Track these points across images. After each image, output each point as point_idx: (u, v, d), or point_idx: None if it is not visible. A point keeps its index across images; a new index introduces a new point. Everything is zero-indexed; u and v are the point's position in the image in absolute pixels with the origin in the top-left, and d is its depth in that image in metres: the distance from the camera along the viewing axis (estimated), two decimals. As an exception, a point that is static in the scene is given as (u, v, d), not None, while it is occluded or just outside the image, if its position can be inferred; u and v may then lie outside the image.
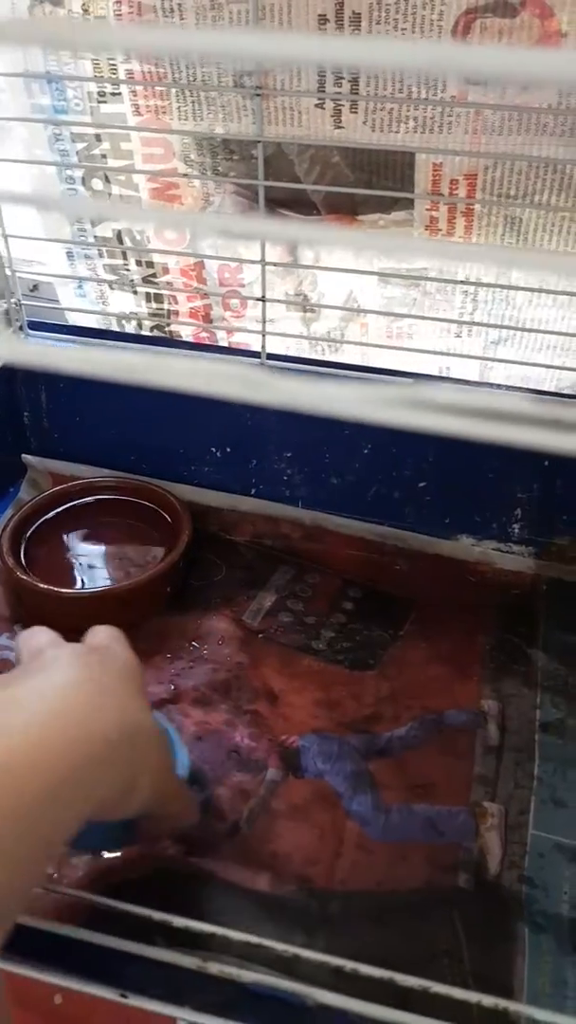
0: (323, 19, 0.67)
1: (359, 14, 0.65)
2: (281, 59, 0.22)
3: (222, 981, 0.37)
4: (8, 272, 0.83)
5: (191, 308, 0.89)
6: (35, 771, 0.34)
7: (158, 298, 0.88)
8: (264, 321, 0.77)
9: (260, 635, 0.77)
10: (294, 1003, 0.36)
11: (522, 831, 0.59)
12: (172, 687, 0.71)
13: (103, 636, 0.56)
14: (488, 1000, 0.34)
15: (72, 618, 0.78)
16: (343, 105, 0.70)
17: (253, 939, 0.35)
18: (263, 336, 0.79)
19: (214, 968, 0.36)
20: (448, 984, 0.36)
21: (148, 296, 0.87)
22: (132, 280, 0.87)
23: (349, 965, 0.34)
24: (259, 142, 0.71)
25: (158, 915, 0.37)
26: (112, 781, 0.40)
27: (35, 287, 0.97)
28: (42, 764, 0.35)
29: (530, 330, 0.76)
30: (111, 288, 0.89)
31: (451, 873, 0.57)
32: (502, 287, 0.75)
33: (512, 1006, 0.34)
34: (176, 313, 0.88)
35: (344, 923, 0.53)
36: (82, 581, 0.82)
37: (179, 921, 0.38)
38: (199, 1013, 0.34)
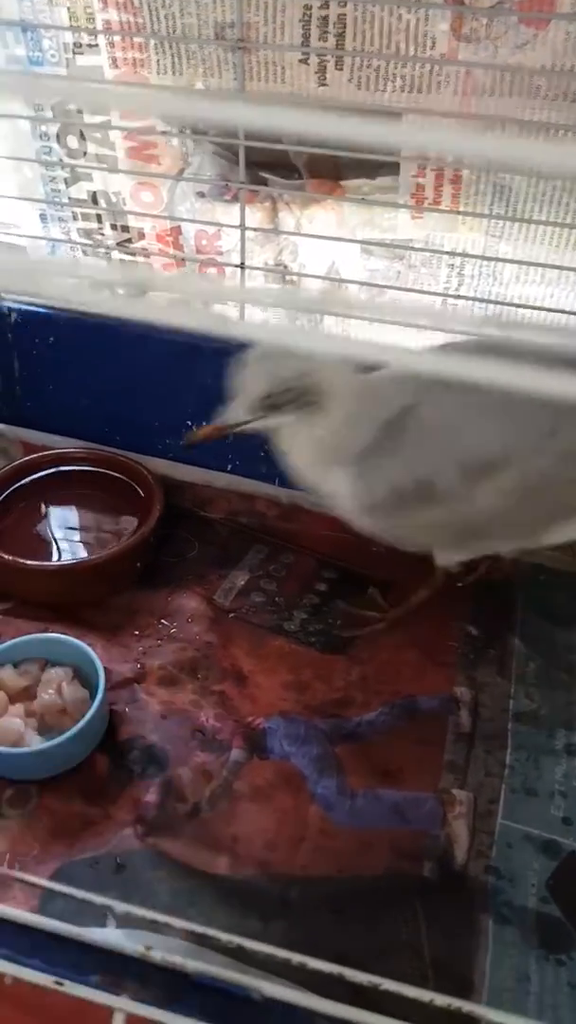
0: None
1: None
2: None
3: (165, 970, 0.35)
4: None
5: (166, 276, 0.86)
6: None
7: (132, 264, 0.85)
8: (243, 289, 0.75)
9: (231, 615, 0.75)
10: (240, 995, 0.34)
11: (491, 820, 0.57)
12: (139, 665, 0.69)
13: None
14: (441, 999, 0.32)
15: (40, 591, 0.76)
16: (328, 61, 0.67)
17: (198, 928, 0.33)
18: (241, 305, 0.76)
19: (157, 956, 0.34)
20: (405, 978, 0.34)
21: (123, 262, 0.84)
22: (107, 245, 0.84)
23: (297, 958, 0.32)
24: (240, 99, 0.68)
25: (99, 899, 0.35)
26: None
27: (9, 248, 0.94)
28: None
29: (517, 305, 0.74)
30: (84, 253, 0.86)
31: (416, 861, 0.55)
32: (489, 259, 0.72)
33: (466, 1006, 0.33)
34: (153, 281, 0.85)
35: (303, 910, 0.51)
36: (51, 554, 0.79)
37: (120, 907, 0.36)
38: (139, 1004, 0.32)
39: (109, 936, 0.37)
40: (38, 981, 0.33)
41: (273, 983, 0.34)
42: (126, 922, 0.46)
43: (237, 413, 0.61)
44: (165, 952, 0.35)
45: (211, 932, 0.33)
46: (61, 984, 0.33)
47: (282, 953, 0.33)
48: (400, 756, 0.62)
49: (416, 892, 0.53)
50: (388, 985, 0.31)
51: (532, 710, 0.65)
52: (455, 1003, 0.32)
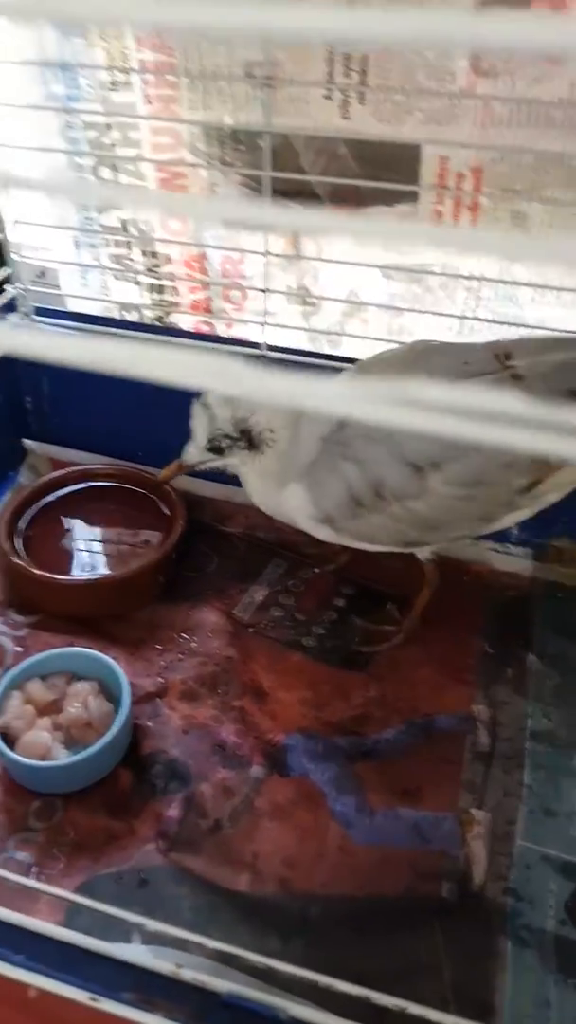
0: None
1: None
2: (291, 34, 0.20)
3: (194, 989, 0.36)
4: (16, 257, 0.82)
5: (193, 299, 0.88)
6: None
7: (160, 289, 0.87)
8: (265, 312, 0.76)
9: (250, 629, 0.76)
10: (267, 1015, 0.35)
11: (509, 841, 0.58)
12: (161, 680, 0.70)
13: None
14: None
15: (65, 605, 0.78)
16: (351, 96, 0.69)
17: (228, 948, 0.34)
18: (263, 327, 0.78)
19: (187, 975, 0.35)
20: (426, 1001, 0.35)
21: (151, 287, 0.86)
22: (136, 270, 0.86)
23: (324, 980, 0.33)
24: (266, 132, 0.69)
25: (131, 916, 0.36)
26: None
27: (42, 273, 0.96)
28: None
29: (534, 327, 0.75)
30: (115, 278, 0.88)
31: (434, 881, 0.56)
32: (505, 283, 0.74)
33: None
34: (177, 304, 0.87)
35: (323, 929, 0.52)
36: (77, 567, 0.81)
37: (152, 925, 0.37)
38: (170, 1022, 0.33)
39: (138, 953, 0.38)
40: (73, 996, 0.35)
41: (298, 1004, 0.35)
42: (152, 939, 0.47)
43: (192, 454, 0.70)
44: (195, 971, 0.36)
45: (239, 951, 0.34)
46: (96, 1000, 0.34)
47: (309, 975, 0.34)
48: (419, 774, 0.63)
49: (435, 913, 0.53)
50: (413, 1009, 0.32)
51: (550, 729, 0.66)
52: (475, 1024, 0.33)
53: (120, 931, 0.47)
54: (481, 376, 0.60)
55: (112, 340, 0.76)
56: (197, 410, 0.67)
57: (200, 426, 0.68)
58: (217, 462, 0.69)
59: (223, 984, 0.35)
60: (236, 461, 0.68)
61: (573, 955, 0.51)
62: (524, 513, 0.65)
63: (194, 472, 0.87)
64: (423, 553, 0.71)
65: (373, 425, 0.60)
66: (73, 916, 0.52)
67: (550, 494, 0.63)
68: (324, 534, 0.67)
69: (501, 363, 0.61)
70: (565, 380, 0.59)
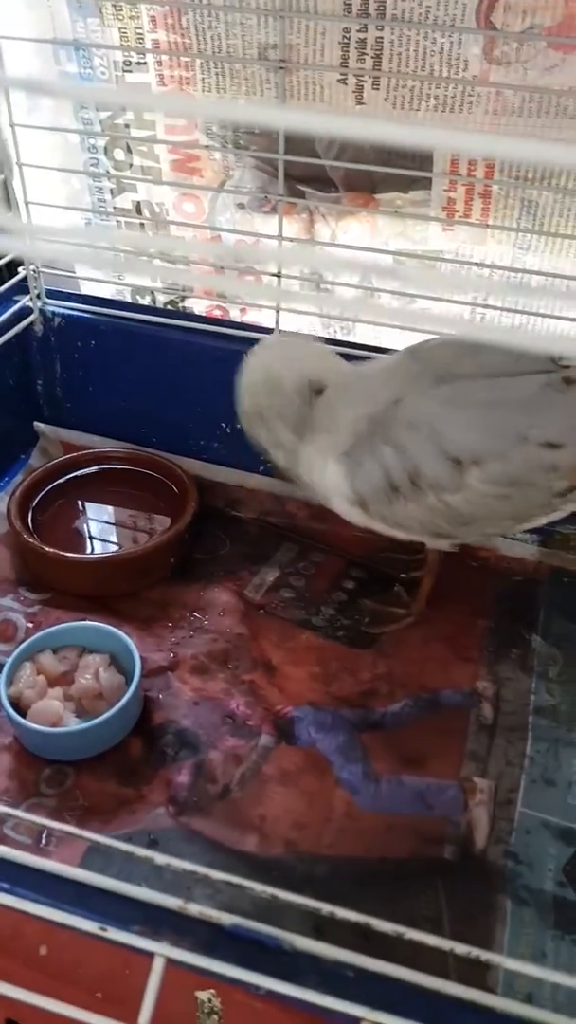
0: (347, 7, 0.67)
1: (384, 2, 0.66)
2: None
3: (202, 923, 0.37)
4: (28, 241, 0.83)
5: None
6: None
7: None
8: (279, 296, 0.78)
9: (260, 609, 0.77)
10: (272, 946, 0.36)
11: (510, 808, 0.59)
12: (172, 655, 0.72)
13: None
14: (461, 948, 0.34)
15: (76, 583, 0.80)
16: (365, 81, 0.70)
17: (233, 879, 0.36)
18: (277, 312, 0.80)
19: (194, 909, 0.36)
20: (426, 953, 0.36)
21: (165, 268, 0.88)
22: (149, 253, 0.87)
23: (326, 908, 0.34)
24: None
25: (143, 852, 0.38)
26: None
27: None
28: None
29: (543, 315, 0.76)
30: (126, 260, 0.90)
31: (438, 845, 0.57)
32: (517, 271, 0.75)
33: (484, 954, 0.35)
34: (191, 288, 0.89)
35: (328, 885, 0.54)
36: (88, 547, 0.83)
37: (161, 858, 0.38)
38: (178, 949, 0.34)
39: (147, 892, 0.39)
40: (83, 927, 0.36)
41: (302, 937, 0.36)
42: (160, 890, 0.48)
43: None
44: (201, 907, 0.37)
45: (245, 882, 0.36)
46: (105, 930, 0.35)
47: (312, 903, 0.35)
48: (424, 745, 0.64)
49: (437, 873, 0.55)
50: (411, 934, 0.33)
51: (552, 705, 0.67)
52: (474, 951, 0.34)
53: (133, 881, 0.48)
54: (533, 375, 0.60)
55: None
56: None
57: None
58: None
59: (228, 917, 0.36)
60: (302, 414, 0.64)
61: (570, 913, 0.52)
62: (557, 515, 0.65)
63: (210, 457, 0.88)
64: (440, 545, 0.70)
65: (422, 411, 0.61)
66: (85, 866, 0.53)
67: None
68: (356, 516, 0.66)
69: (555, 363, 0.61)
70: None
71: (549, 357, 0.61)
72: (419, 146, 0.23)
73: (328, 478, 0.65)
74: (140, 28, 0.75)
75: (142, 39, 0.75)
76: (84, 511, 0.87)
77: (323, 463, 0.65)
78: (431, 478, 0.61)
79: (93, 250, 0.62)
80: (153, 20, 0.74)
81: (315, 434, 0.64)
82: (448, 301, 0.77)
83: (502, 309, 0.77)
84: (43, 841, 0.57)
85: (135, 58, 0.77)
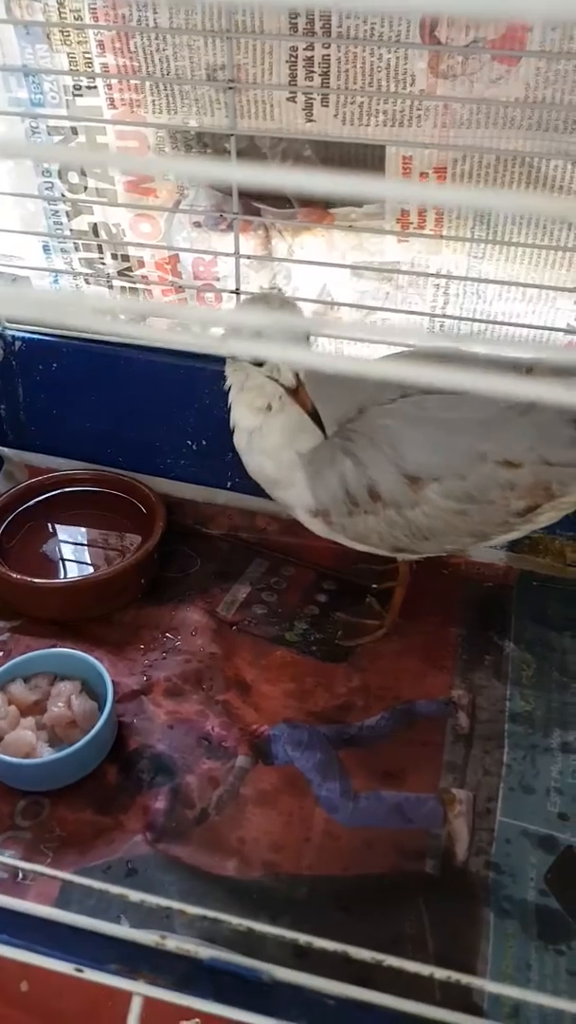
0: (293, 25, 0.68)
1: (329, 20, 0.66)
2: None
3: (180, 957, 0.37)
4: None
5: (166, 302, 0.89)
6: None
7: (133, 292, 0.88)
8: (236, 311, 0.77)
9: (233, 627, 0.77)
10: (251, 978, 0.36)
11: (490, 818, 0.59)
12: (145, 678, 0.71)
13: None
14: (441, 973, 0.34)
15: (47, 608, 0.79)
16: (315, 98, 0.70)
17: (210, 913, 0.35)
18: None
19: (171, 944, 0.36)
20: (410, 970, 0.36)
21: (123, 289, 0.87)
22: (108, 274, 0.87)
23: (303, 938, 0.34)
24: (232, 135, 0.71)
25: (116, 889, 0.37)
26: None
27: (14, 280, 0.97)
28: None
29: (500, 323, 0.77)
30: (87, 282, 0.89)
31: (418, 859, 0.57)
32: (473, 280, 0.76)
33: (465, 979, 0.34)
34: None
35: (309, 907, 0.53)
36: (58, 572, 0.82)
37: (135, 896, 0.38)
38: (155, 988, 0.34)
39: (123, 930, 0.39)
40: (58, 968, 0.35)
41: (282, 968, 0.36)
42: (138, 921, 0.48)
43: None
44: (178, 940, 0.37)
45: (221, 916, 0.35)
46: (81, 971, 0.35)
47: (289, 934, 0.35)
48: (401, 758, 0.64)
49: (419, 888, 0.55)
50: (391, 961, 0.33)
51: (528, 711, 0.67)
52: (454, 976, 0.34)
53: (108, 918, 0.48)
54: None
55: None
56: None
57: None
58: (262, 378, 0.61)
59: (206, 951, 0.36)
60: (281, 394, 0.61)
61: (553, 923, 0.52)
62: (516, 534, 0.65)
63: (178, 475, 0.88)
64: (408, 557, 0.71)
65: (383, 427, 0.61)
66: (61, 906, 0.52)
67: (544, 517, 0.63)
68: (317, 527, 0.67)
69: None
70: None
71: (516, 367, 0.62)
72: (371, 196, 0.23)
73: (293, 488, 0.65)
74: (88, 53, 0.75)
75: (91, 63, 0.75)
76: (53, 534, 0.86)
77: (290, 464, 0.64)
78: (388, 495, 0.61)
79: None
80: (101, 44, 0.74)
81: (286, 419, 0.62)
82: (407, 312, 0.78)
83: (458, 318, 0.78)
84: (20, 876, 0.56)
85: (85, 82, 0.76)
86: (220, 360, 0.64)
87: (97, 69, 0.74)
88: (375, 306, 0.79)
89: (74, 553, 0.85)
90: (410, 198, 0.76)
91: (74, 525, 0.87)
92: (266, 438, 0.64)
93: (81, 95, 0.77)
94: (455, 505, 0.61)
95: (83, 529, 0.86)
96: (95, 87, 0.76)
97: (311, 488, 0.64)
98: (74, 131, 0.80)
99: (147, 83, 0.73)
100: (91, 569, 0.82)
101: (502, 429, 0.60)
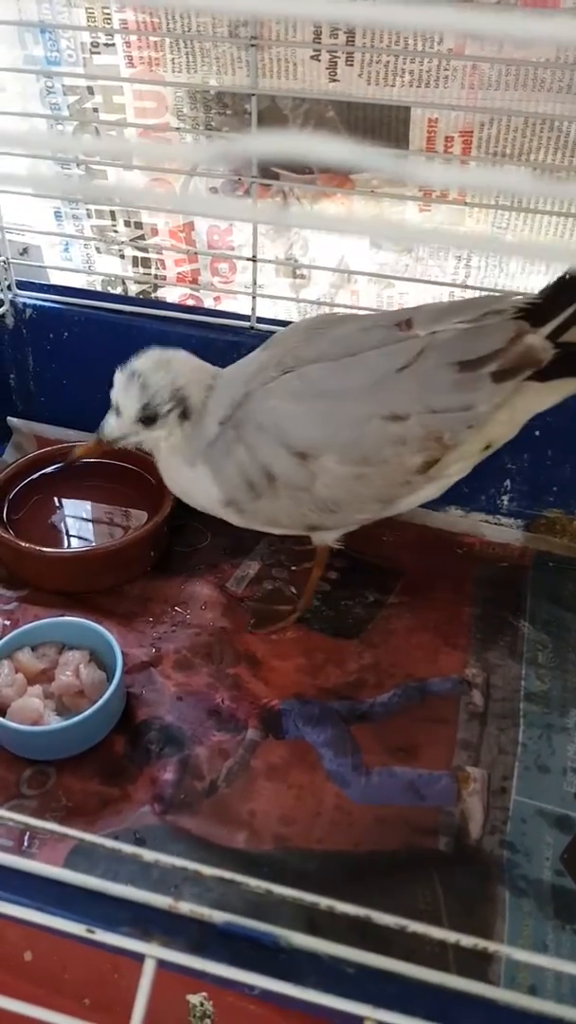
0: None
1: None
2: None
3: (193, 922, 0.36)
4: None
5: (179, 272, 0.87)
6: None
7: (145, 262, 0.86)
8: (255, 283, 0.76)
9: (243, 602, 0.76)
10: (267, 943, 0.35)
11: (505, 796, 0.58)
12: (154, 650, 0.70)
13: None
14: (467, 940, 0.33)
15: (54, 578, 0.77)
16: (339, 57, 0.69)
17: (227, 874, 0.34)
18: (253, 298, 0.78)
19: (184, 908, 0.35)
20: (425, 944, 0.35)
21: (135, 260, 0.86)
22: (120, 242, 0.85)
23: (324, 902, 0.33)
24: (253, 95, 0.69)
25: (129, 848, 0.36)
26: None
27: (25, 250, 0.96)
28: None
29: (523, 295, 0.75)
30: (98, 251, 0.88)
31: (431, 836, 0.56)
32: (496, 251, 0.74)
33: (491, 946, 0.33)
34: (164, 277, 0.87)
35: (321, 881, 0.52)
36: (66, 542, 0.80)
37: (149, 855, 0.37)
38: (168, 950, 0.33)
39: (136, 891, 0.37)
40: (70, 930, 0.34)
41: (298, 933, 0.34)
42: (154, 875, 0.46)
43: (113, 428, 0.66)
44: (191, 905, 0.36)
45: (236, 876, 0.34)
46: (92, 932, 0.34)
47: (308, 896, 0.33)
48: (414, 735, 0.62)
49: (432, 865, 0.53)
50: (415, 927, 0.32)
51: (543, 691, 0.66)
52: (480, 943, 0.33)
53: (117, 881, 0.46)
54: (382, 347, 0.59)
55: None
56: (122, 380, 0.64)
57: (129, 396, 0.63)
58: (139, 436, 0.65)
59: (220, 915, 0.34)
60: (163, 434, 0.65)
61: (570, 903, 0.51)
62: (428, 493, 0.64)
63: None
64: (325, 538, 0.70)
65: (267, 408, 0.61)
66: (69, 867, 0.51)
67: (454, 469, 0.62)
68: (234, 518, 0.67)
69: (404, 332, 0.60)
70: (458, 352, 0.58)
71: (396, 325, 0.60)
72: (383, 169, 0.22)
73: (201, 483, 0.65)
74: (107, 8, 0.73)
75: (109, 20, 0.73)
76: (60, 506, 0.84)
77: (190, 467, 0.65)
78: (283, 476, 0.61)
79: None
80: (120, -1, 0.72)
81: (180, 440, 0.65)
82: (427, 283, 0.76)
83: (480, 289, 0.76)
84: (25, 843, 0.55)
85: (103, 39, 0.75)
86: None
87: (116, 25, 0.72)
88: (394, 276, 0.78)
89: (82, 525, 0.83)
90: (433, 182, 0.74)
91: (83, 497, 0.85)
92: (169, 470, 0.68)
93: (99, 52, 0.75)
94: (352, 469, 0.60)
95: (92, 501, 0.85)
96: (113, 44, 0.74)
97: (216, 481, 0.64)
98: (90, 91, 0.78)
99: (167, 40, 0.71)
100: (100, 540, 0.81)
101: (387, 387, 0.59)
